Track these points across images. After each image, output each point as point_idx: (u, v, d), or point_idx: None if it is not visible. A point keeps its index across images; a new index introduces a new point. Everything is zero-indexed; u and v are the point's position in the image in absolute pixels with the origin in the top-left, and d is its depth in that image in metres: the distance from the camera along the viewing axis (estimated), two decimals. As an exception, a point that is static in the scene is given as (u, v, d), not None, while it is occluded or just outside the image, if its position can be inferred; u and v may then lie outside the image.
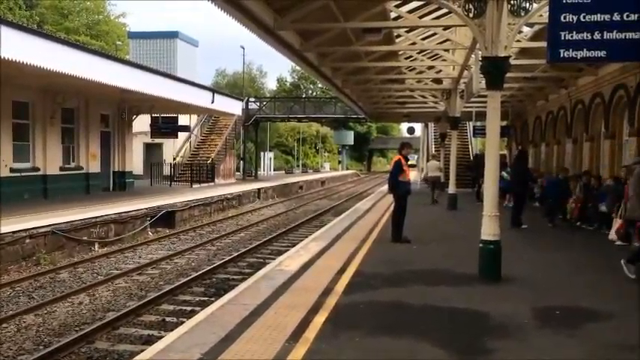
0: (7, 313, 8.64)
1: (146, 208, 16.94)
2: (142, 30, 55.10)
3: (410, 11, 12.63)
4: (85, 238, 13.71)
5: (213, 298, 8.90)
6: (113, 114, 23.67)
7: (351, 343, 5.11)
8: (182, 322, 6.72)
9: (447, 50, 15.71)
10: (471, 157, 30.77)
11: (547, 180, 17.65)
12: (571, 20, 6.60)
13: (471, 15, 7.82)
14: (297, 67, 50.12)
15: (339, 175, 58.18)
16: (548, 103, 22.82)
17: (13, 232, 11.57)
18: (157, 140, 32.21)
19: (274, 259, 10.51)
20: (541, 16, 9.01)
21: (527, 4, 7.90)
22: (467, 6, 7.82)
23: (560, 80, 18.82)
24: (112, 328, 7.93)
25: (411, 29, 14.20)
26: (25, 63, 12.61)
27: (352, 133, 74.58)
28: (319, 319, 5.78)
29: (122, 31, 53.76)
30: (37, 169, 18.90)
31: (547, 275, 8.27)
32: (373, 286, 7.34)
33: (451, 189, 18.16)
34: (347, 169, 76.91)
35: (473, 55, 12.58)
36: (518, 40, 13.05)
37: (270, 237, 16.33)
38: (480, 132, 26.96)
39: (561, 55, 6.76)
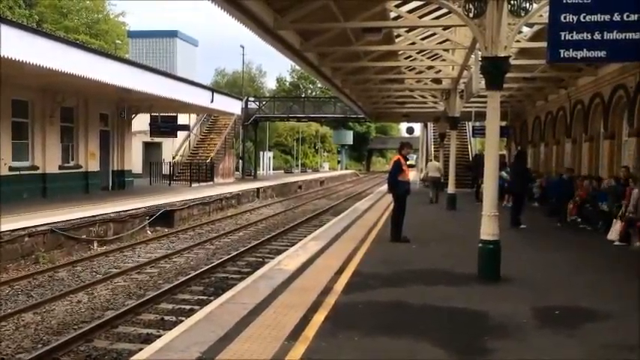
0: (6, 311, 8.63)
1: (145, 207, 16.93)
2: (142, 29, 55.29)
3: (410, 11, 12.62)
4: (84, 236, 13.69)
5: (212, 297, 8.91)
6: (112, 113, 23.65)
7: (350, 343, 5.10)
8: (181, 321, 6.70)
9: (446, 50, 15.69)
10: (470, 158, 30.79)
11: (551, 180, 17.66)
12: (571, 20, 6.60)
13: (471, 15, 7.82)
14: (297, 67, 50.18)
15: (338, 175, 58.16)
16: (547, 104, 22.82)
17: (12, 231, 11.55)
18: (156, 139, 32.19)
19: (273, 258, 10.51)
20: (541, 16, 9.01)
21: (528, 4, 7.91)
22: (467, 6, 7.82)
23: (559, 80, 18.83)
24: (110, 326, 7.93)
25: (410, 29, 14.19)
26: (24, 62, 12.59)
27: (351, 132, 74.63)
28: (318, 318, 5.77)
29: (122, 31, 53.60)
30: (36, 168, 18.89)
31: (546, 275, 8.27)
32: (372, 285, 7.34)
33: (450, 189, 18.17)
34: (346, 168, 76.91)
35: (472, 55, 12.57)
36: (517, 41, 13.04)
37: (269, 236, 16.33)
38: (479, 132, 26.92)
39: (561, 55, 6.76)
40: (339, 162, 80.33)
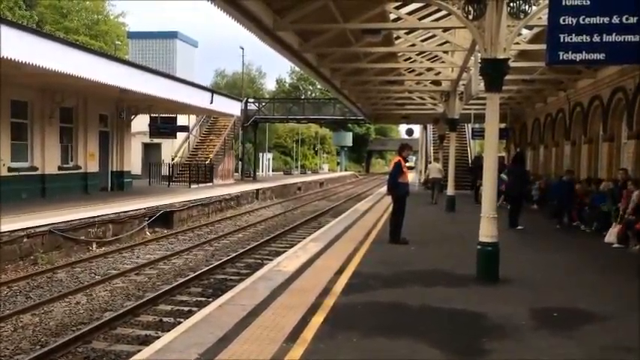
0: (4, 312, 8.61)
1: (144, 208, 16.92)
2: (142, 30, 55.30)
3: (409, 13, 12.62)
4: (83, 237, 13.68)
5: (210, 299, 8.90)
6: (112, 114, 23.63)
7: (349, 344, 5.11)
8: (180, 323, 6.70)
9: (446, 52, 15.71)
10: (470, 160, 30.84)
11: (551, 182, 17.67)
12: (570, 23, 6.60)
13: (470, 17, 7.83)
14: (297, 68, 50.09)
15: (338, 177, 58.16)
16: (546, 106, 22.85)
17: (11, 232, 11.54)
18: (155, 140, 32.19)
19: (272, 259, 10.51)
20: (540, 18, 9.03)
21: (527, 7, 7.91)
22: (466, 8, 7.83)
23: (558, 83, 18.86)
24: (109, 328, 7.92)
25: (410, 31, 14.19)
26: (24, 62, 12.59)
27: (351, 134, 74.67)
28: (317, 319, 5.77)
29: (121, 31, 53.63)
30: (36, 169, 18.87)
31: (545, 276, 8.27)
32: (372, 286, 7.34)
33: (450, 191, 18.18)
34: (345, 170, 76.94)
35: (472, 57, 12.59)
36: (517, 43, 13.05)
37: (268, 238, 16.32)
38: (478, 134, 26.97)
39: (560, 58, 6.77)
40: (338, 163, 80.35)
